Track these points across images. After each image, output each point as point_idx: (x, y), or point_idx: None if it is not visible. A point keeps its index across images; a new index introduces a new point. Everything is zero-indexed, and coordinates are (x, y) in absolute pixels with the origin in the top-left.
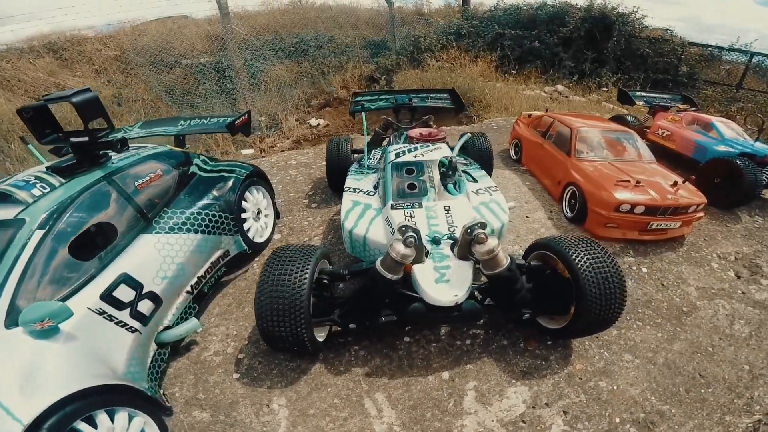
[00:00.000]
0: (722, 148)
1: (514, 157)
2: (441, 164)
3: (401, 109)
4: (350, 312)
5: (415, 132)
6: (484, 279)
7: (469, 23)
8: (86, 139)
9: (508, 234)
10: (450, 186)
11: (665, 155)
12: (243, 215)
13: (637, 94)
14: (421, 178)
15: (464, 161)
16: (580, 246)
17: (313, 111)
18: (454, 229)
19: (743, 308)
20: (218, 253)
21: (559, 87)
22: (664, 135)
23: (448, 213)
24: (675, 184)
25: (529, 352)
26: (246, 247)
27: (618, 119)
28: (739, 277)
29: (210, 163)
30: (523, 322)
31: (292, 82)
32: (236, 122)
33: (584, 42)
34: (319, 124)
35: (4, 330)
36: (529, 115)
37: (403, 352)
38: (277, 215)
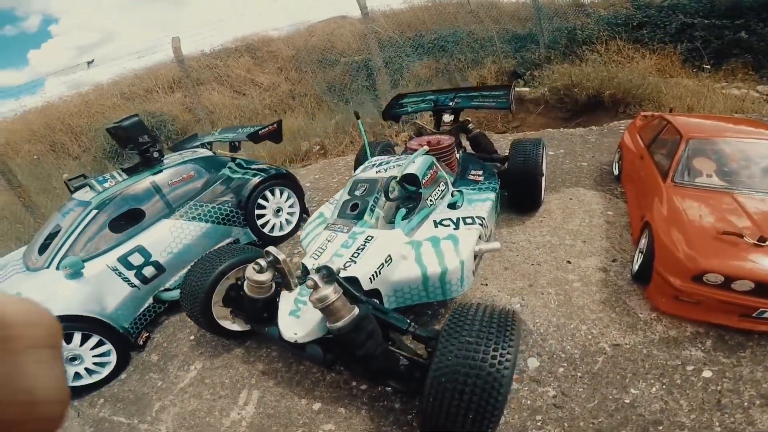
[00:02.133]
0: None
1: (615, 173)
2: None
3: (443, 111)
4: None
5: (415, 142)
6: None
7: (642, 13)
8: (136, 150)
9: (518, 281)
10: (401, 212)
11: None
12: (261, 211)
13: None
14: (367, 198)
15: (443, 179)
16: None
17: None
18: (349, 266)
19: None
20: (228, 240)
21: None
22: None
23: (363, 246)
24: None
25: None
26: (255, 238)
27: None
28: None
29: (244, 166)
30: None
31: (429, 79)
32: (260, 132)
33: None
34: (451, 120)
35: (54, 270)
36: (651, 115)
37: (303, 368)
38: (306, 213)
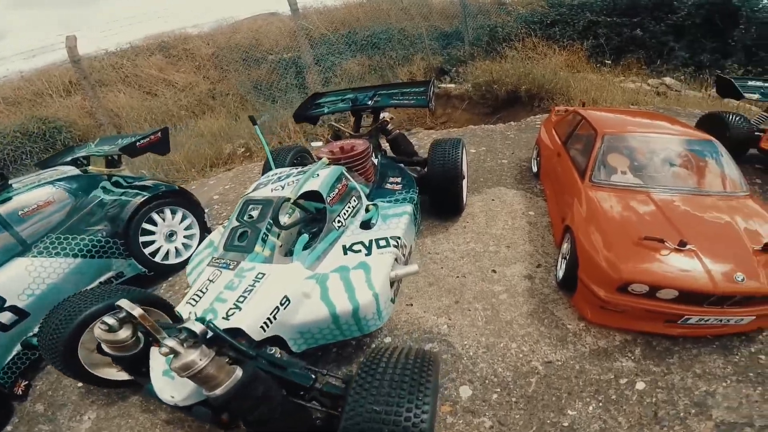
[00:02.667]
0: None
1: (534, 170)
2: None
3: (361, 111)
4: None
5: (326, 149)
6: None
7: (555, 11)
8: None
9: (444, 297)
10: (302, 239)
11: None
12: (149, 238)
13: (750, 83)
14: (258, 225)
15: (355, 191)
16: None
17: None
18: (233, 314)
19: None
20: (109, 274)
21: (668, 80)
22: None
23: (251, 287)
24: (766, 249)
25: None
26: (144, 269)
27: (710, 119)
28: None
29: (123, 184)
30: None
31: (362, 76)
32: (138, 143)
33: (702, 30)
34: (384, 117)
35: None
36: (565, 110)
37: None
38: (208, 233)
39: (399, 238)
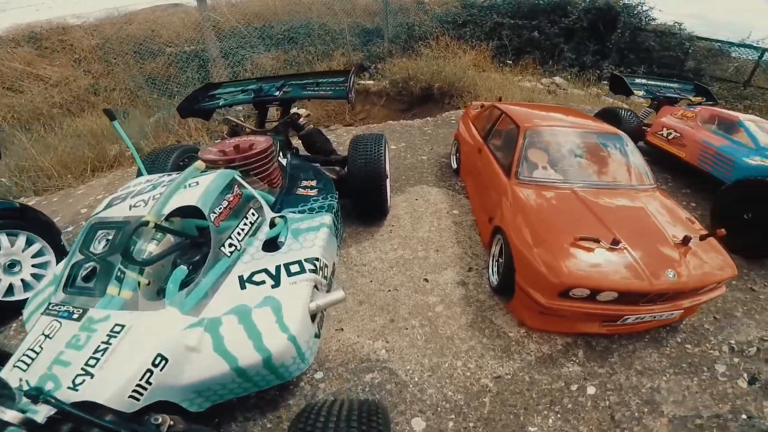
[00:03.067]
0: (758, 161)
1: (454, 167)
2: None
3: (267, 104)
4: None
5: (215, 148)
6: None
7: (467, 12)
8: None
9: (378, 316)
10: (179, 272)
11: (670, 165)
12: None
13: (636, 81)
14: (109, 258)
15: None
16: None
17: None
18: (82, 384)
19: None
20: None
21: (557, 79)
22: (671, 137)
23: (106, 344)
24: (686, 241)
25: None
26: None
27: (605, 114)
28: (753, 383)
29: None
30: None
31: (275, 71)
32: None
33: (587, 33)
34: (295, 111)
35: None
36: (482, 105)
37: None
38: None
39: (317, 259)
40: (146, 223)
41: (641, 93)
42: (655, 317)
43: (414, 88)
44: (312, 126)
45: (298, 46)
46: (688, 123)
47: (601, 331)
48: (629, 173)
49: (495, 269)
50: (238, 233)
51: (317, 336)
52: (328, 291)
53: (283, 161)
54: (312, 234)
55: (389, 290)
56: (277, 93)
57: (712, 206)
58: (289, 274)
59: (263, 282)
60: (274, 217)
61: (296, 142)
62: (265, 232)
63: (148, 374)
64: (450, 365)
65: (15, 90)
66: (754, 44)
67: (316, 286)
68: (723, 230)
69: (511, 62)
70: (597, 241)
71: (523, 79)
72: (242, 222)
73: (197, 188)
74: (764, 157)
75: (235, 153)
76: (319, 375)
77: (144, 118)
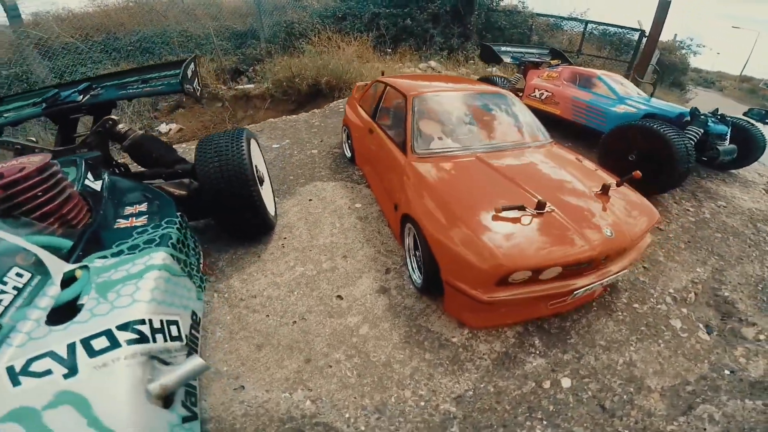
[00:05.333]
0: (623, 109)
1: (348, 155)
2: None
3: (69, 114)
4: None
5: None
6: None
7: (345, 5)
8: None
9: (287, 360)
10: None
11: (548, 124)
12: None
13: (503, 49)
14: None
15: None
16: None
17: (161, 115)
18: None
19: (741, 409)
20: None
21: (432, 63)
22: (544, 97)
23: None
24: (605, 190)
25: None
26: None
27: (483, 82)
28: (711, 333)
29: None
30: None
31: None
32: None
33: (451, 17)
34: (170, 130)
35: None
36: (366, 84)
37: None
38: None
39: (142, 321)
40: None
41: (508, 60)
42: (603, 282)
43: (300, 86)
44: (141, 132)
45: (155, 56)
46: (554, 83)
47: (550, 312)
48: (525, 131)
49: (414, 265)
50: None
51: (189, 419)
52: (188, 355)
53: (95, 186)
54: (131, 285)
55: (294, 321)
56: (79, 98)
57: (597, 155)
58: (91, 353)
59: (49, 371)
60: (73, 271)
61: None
62: (51, 297)
63: None
64: (398, 398)
65: None
66: (579, 17)
67: (157, 358)
68: (638, 172)
69: (390, 50)
70: (522, 208)
71: (403, 66)
72: None
73: None
74: (627, 105)
75: None
76: None
77: None
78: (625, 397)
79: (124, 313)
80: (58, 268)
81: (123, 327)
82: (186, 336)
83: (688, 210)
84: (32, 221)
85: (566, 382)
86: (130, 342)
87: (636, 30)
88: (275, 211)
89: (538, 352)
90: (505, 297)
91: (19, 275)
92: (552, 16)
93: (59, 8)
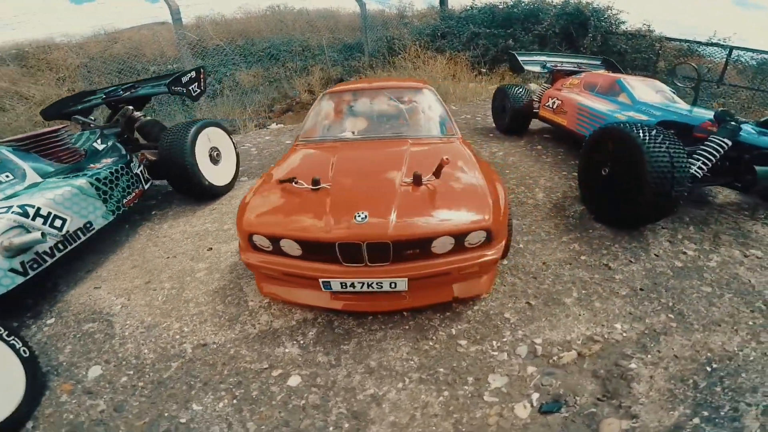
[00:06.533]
0: (630, 115)
1: None
2: None
3: (116, 103)
4: None
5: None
6: None
7: (445, 24)
8: None
9: (138, 278)
10: None
11: (564, 138)
12: None
13: (535, 58)
14: None
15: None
16: None
17: (274, 116)
18: None
19: None
20: None
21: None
22: (555, 106)
23: None
24: (417, 181)
25: None
26: None
27: (497, 93)
28: (551, 412)
29: None
30: None
31: (256, 87)
32: None
33: (560, 39)
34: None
35: None
36: None
37: None
38: None
39: (32, 206)
40: None
41: (537, 69)
42: (373, 287)
43: None
44: (147, 119)
45: (279, 63)
46: (572, 90)
47: (330, 305)
48: (419, 124)
49: None
50: None
51: (15, 272)
52: (64, 239)
53: (99, 146)
54: (49, 190)
55: (168, 257)
56: (123, 93)
57: (578, 168)
58: None
59: None
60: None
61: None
62: (13, 188)
63: None
64: (167, 326)
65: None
66: (722, 43)
67: (24, 227)
68: (447, 158)
69: (486, 70)
70: (292, 181)
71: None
72: None
73: None
74: (637, 112)
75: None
76: (51, 321)
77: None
78: (331, 429)
79: (30, 199)
80: (30, 176)
81: (21, 206)
82: (67, 231)
83: (684, 253)
84: (37, 155)
85: (294, 381)
86: (14, 212)
87: None
88: (229, 183)
89: (301, 343)
90: (257, 262)
91: (6, 175)
92: (686, 41)
93: (215, 13)
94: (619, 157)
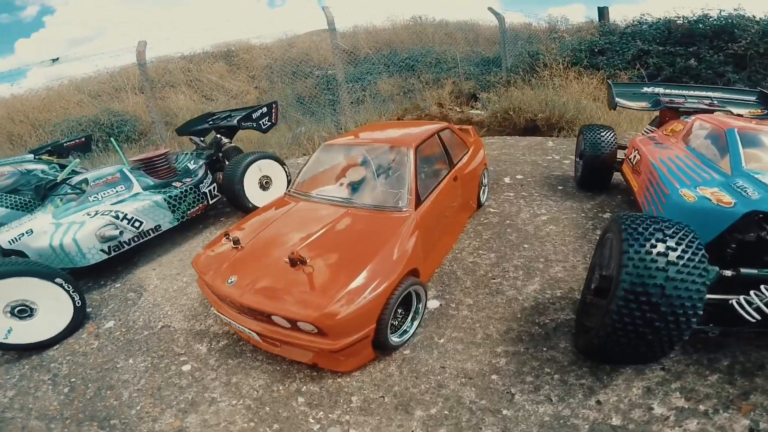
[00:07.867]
0: (704, 193)
1: None
2: None
3: (221, 128)
4: None
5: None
6: None
7: (605, 39)
8: None
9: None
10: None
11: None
12: None
13: (644, 90)
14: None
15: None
16: None
17: None
18: None
19: None
20: None
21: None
22: (635, 162)
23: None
24: (293, 263)
25: None
26: None
27: (581, 132)
28: None
29: None
30: None
31: (391, 96)
32: (66, 144)
33: (765, 61)
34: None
35: None
36: None
37: None
38: None
39: (121, 212)
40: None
41: (644, 104)
42: (246, 331)
43: (516, 119)
44: (231, 144)
45: (415, 74)
46: (665, 140)
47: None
48: (372, 189)
49: None
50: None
51: (103, 251)
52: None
53: (192, 166)
54: (136, 201)
55: None
56: (222, 122)
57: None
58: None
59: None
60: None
61: None
62: (119, 196)
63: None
64: (161, 307)
65: (208, 98)
66: None
67: (115, 225)
68: (301, 255)
69: None
70: (227, 236)
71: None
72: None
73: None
74: (725, 189)
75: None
76: (117, 285)
77: (286, 132)
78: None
79: (124, 207)
80: (135, 188)
81: (116, 212)
82: (142, 230)
83: (650, 409)
84: (144, 173)
85: (186, 367)
86: (111, 215)
87: None
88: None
89: (211, 346)
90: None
91: (122, 187)
92: None
93: (368, 23)
94: (609, 262)
